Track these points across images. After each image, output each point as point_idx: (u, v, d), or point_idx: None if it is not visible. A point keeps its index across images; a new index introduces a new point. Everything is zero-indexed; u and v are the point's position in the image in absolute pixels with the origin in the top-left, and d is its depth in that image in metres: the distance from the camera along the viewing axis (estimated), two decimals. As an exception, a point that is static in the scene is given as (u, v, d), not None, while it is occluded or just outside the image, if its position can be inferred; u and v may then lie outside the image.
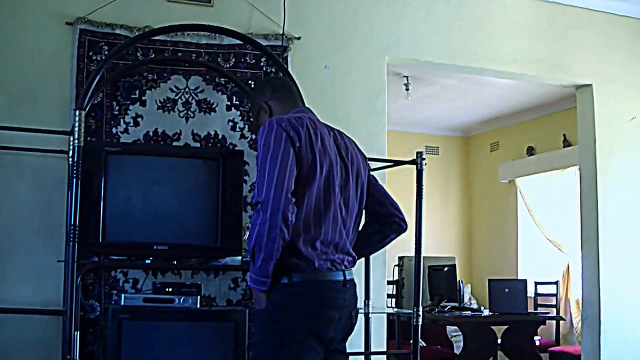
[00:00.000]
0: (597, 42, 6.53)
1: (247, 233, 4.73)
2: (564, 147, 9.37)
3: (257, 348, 3.00)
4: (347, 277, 3.12)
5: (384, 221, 3.42)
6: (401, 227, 3.45)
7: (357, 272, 4.93)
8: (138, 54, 4.95)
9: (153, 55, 4.98)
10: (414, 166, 4.77)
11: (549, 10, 6.34)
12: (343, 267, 3.11)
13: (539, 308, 8.67)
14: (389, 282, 7.32)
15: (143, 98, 4.93)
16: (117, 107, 4.86)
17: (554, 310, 8.58)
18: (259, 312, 2.98)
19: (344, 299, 3.08)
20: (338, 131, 3.26)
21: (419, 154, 4.76)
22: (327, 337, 3.00)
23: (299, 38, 5.33)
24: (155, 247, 4.18)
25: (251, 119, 3.27)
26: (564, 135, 9.32)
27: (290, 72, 4.97)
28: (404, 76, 8.15)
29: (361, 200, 3.26)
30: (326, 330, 2.99)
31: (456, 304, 7.53)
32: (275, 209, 2.78)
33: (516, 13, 6.23)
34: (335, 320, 3.01)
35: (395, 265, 8.06)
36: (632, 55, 6.67)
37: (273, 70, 5.15)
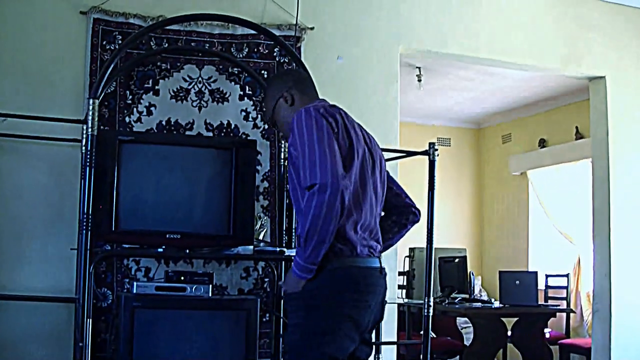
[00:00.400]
0: (611, 34, 6.51)
1: (259, 222, 4.77)
2: (576, 139, 9.33)
3: (294, 333, 2.99)
4: (382, 265, 3.17)
5: (401, 212, 3.49)
6: (416, 217, 3.53)
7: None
8: (152, 44, 4.96)
9: (166, 45, 4.99)
10: (426, 157, 4.77)
11: (563, 2, 6.32)
12: (377, 254, 3.16)
13: (549, 300, 8.66)
14: (399, 273, 7.32)
15: (156, 87, 4.95)
16: (130, 97, 4.88)
17: (565, 302, 8.56)
18: (296, 295, 2.98)
19: (380, 286, 3.13)
20: (357, 123, 3.29)
21: (431, 145, 4.76)
22: (364, 324, 3.04)
23: (312, 28, 5.33)
24: (167, 236, 4.18)
25: (263, 108, 3.25)
26: (577, 127, 9.28)
27: (304, 62, 4.97)
28: (417, 67, 8.12)
29: (383, 190, 3.31)
30: (363, 317, 3.02)
31: (466, 296, 7.52)
32: (335, 190, 2.81)
33: (530, 4, 6.22)
34: (371, 307, 3.04)
35: (406, 257, 8.05)
36: (645, 48, 6.65)
37: (286, 60, 5.16)
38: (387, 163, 5.18)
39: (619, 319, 6.24)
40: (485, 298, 8.20)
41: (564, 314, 8.27)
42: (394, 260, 5.43)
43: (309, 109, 3.02)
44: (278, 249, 4.44)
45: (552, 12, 6.29)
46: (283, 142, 4.94)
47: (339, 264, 2.97)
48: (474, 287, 7.92)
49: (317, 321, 2.94)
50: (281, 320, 4.82)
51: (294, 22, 5.25)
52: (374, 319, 3.14)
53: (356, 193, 3.03)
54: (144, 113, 4.90)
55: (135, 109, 4.88)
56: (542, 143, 10.10)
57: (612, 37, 6.51)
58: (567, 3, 6.34)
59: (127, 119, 4.85)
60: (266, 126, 5.09)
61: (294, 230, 4.92)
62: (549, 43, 6.25)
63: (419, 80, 8.24)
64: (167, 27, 4.91)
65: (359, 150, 3.09)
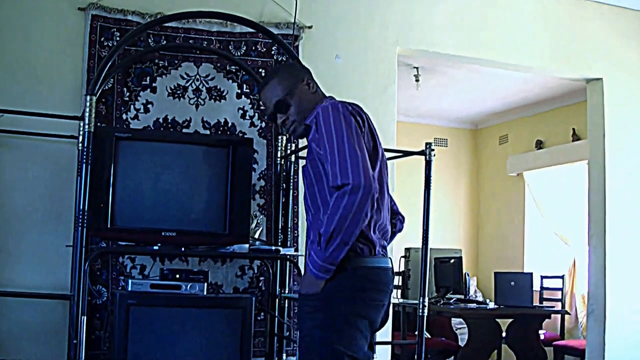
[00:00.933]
0: (609, 35, 6.51)
1: (255, 221, 4.77)
2: (573, 141, 9.34)
3: (311, 333, 2.94)
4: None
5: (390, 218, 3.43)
6: (401, 225, 3.51)
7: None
8: (149, 41, 4.96)
9: (164, 42, 4.99)
10: (423, 157, 4.77)
11: (561, 3, 6.33)
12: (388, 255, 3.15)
13: (544, 302, 8.65)
14: (395, 273, 7.32)
15: (154, 85, 4.95)
16: (127, 94, 4.88)
17: (560, 304, 8.56)
18: (314, 296, 2.92)
19: (392, 286, 3.12)
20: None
21: (428, 145, 4.75)
22: (376, 324, 3.04)
23: (310, 27, 5.33)
24: (163, 234, 4.18)
25: (266, 104, 3.16)
26: (574, 129, 9.28)
27: (301, 61, 4.97)
28: (414, 67, 8.12)
29: (388, 191, 3.29)
30: (377, 317, 3.02)
31: (462, 296, 7.53)
32: (367, 192, 2.78)
33: (528, 6, 6.23)
34: (384, 307, 3.05)
35: (401, 257, 8.05)
36: (643, 50, 6.66)
37: (284, 59, 5.16)
38: (384, 163, 5.19)
39: (614, 320, 6.25)
40: (480, 299, 8.19)
41: (559, 316, 8.28)
42: (390, 260, 5.43)
43: (336, 105, 2.97)
44: (274, 248, 4.44)
45: (550, 13, 6.29)
46: (287, 136, 4.93)
47: (360, 263, 2.94)
48: (469, 288, 7.92)
49: (339, 322, 2.89)
50: (276, 319, 4.82)
51: (292, 21, 5.25)
52: (383, 319, 3.12)
53: (378, 194, 3.00)
54: (141, 110, 4.90)
55: (132, 106, 4.88)
56: (539, 144, 10.10)
57: (610, 39, 6.52)
58: (565, 5, 6.34)
59: (124, 116, 4.85)
60: (263, 124, 5.09)
61: (289, 229, 4.92)
62: (547, 44, 6.25)
63: (417, 80, 8.25)
64: (165, 25, 4.92)
65: (380, 151, 3.09)
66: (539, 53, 6.24)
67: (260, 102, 3.14)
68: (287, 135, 3.28)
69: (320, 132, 2.92)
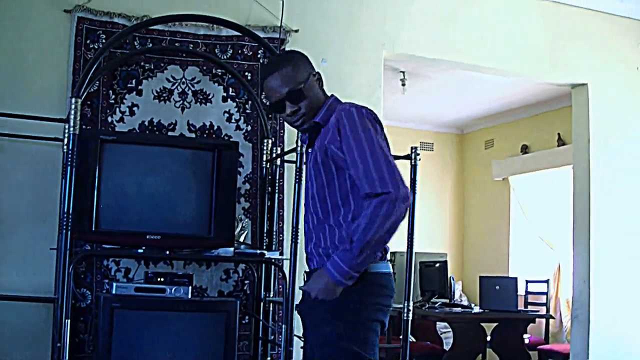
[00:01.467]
0: (594, 41, 6.54)
1: (240, 224, 4.76)
2: (558, 146, 9.37)
3: (334, 342, 2.83)
4: None
5: None
6: None
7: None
8: (135, 43, 4.95)
9: (150, 45, 4.98)
10: (409, 161, 4.77)
11: (546, 9, 6.35)
12: None
13: (529, 306, 8.68)
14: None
15: (139, 87, 4.94)
16: (113, 96, 4.87)
17: (544, 308, 8.59)
18: (330, 302, 2.81)
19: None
20: None
21: (413, 149, 4.75)
22: (385, 328, 3.00)
23: (296, 31, 5.33)
24: (148, 237, 4.18)
25: (275, 90, 2.94)
26: (559, 134, 9.32)
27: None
28: (400, 71, 8.14)
29: None
30: (386, 321, 2.98)
31: (447, 301, 7.54)
32: (407, 205, 2.75)
33: (514, 11, 6.25)
34: (389, 312, 3.01)
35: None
36: (628, 56, 6.69)
37: (270, 62, 5.16)
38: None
39: (598, 325, 6.27)
40: (465, 303, 8.22)
41: (544, 320, 8.31)
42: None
43: (360, 109, 2.88)
44: (258, 252, 4.44)
45: (535, 19, 6.31)
46: (266, 144, 4.94)
47: (375, 269, 2.89)
48: (454, 292, 7.93)
49: (362, 329, 2.85)
50: (261, 323, 4.82)
51: (279, 25, 5.25)
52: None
53: None
54: (127, 113, 4.88)
55: (117, 109, 4.87)
56: (525, 149, 10.14)
57: (595, 45, 6.55)
58: (550, 10, 6.37)
59: (109, 119, 4.84)
60: (249, 128, 5.09)
61: (275, 233, 4.92)
62: (532, 50, 6.28)
63: (403, 85, 8.26)
64: (152, 27, 4.91)
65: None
66: (525, 58, 6.26)
67: (268, 87, 2.96)
68: (296, 128, 3.09)
69: (344, 136, 2.82)
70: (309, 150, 3.05)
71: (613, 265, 6.39)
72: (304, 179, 4.20)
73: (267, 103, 2.98)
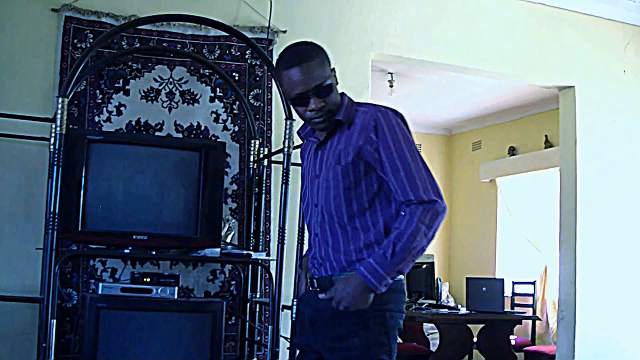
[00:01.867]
0: (582, 44, 6.56)
1: (227, 225, 4.75)
2: (545, 148, 9.40)
3: (363, 354, 2.72)
4: None
5: None
6: None
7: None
8: (123, 43, 4.94)
9: (138, 45, 4.97)
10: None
11: (534, 11, 6.37)
12: None
13: (515, 307, 8.70)
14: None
15: (127, 87, 4.93)
16: (100, 96, 4.86)
17: (531, 310, 8.61)
18: (358, 311, 2.68)
19: None
20: None
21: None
22: None
23: (284, 31, 5.33)
24: (134, 237, 4.17)
25: (304, 82, 2.71)
26: (546, 136, 9.35)
27: (275, 65, 4.98)
28: (389, 73, 8.15)
29: None
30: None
31: (434, 302, 7.56)
32: (444, 211, 2.72)
33: (502, 13, 6.26)
34: None
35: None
36: (615, 58, 6.71)
37: (258, 63, 5.15)
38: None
39: (584, 326, 6.29)
40: (452, 304, 8.22)
41: (530, 321, 8.32)
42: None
43: (397, 112, 2.84)
44: (245, 252, 4.44)
45: (523, 21, 6.33)
46: (253, 144, 4.94)
47: (400, 276, 2.80)
48: (441, 293, 7.95)
49: (390, 338, 2.78)
50: (247, 323, 4.82)
51: (267, 25, 5.25)
52: None
53: None
54: (114, 113, 4.87)
55: (105, 109, 4.86)
56: (512, 151, 10.16)
57: (582, 47, 6.57)
58: (538, 13, 6.38)
59: (96, 119, 4.83)
60: (236, 128, 5.09)
61: (261, 233, 4.92)
62: (520, 52, 6.29)
63: (391, 86, 8.27)
64: (139, 27, 4.90)
65: None
66: (513, 60, 6.28)
67: (293, 78, 2.70)
68: (315, 124, 2.82)
69: (383, 139, 2.73)
70: (320, 149, 2.89)
71: (599, 267, 6.40)
72: (291, 179, 4.24)
73: (292, 94, 2.74)
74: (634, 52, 6.80)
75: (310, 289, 2.89)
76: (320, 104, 2.74)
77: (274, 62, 2.85)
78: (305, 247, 3.24)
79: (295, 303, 4.14)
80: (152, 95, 4.97)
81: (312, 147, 2.95)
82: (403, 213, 2.72)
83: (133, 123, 4.90)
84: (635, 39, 6.81)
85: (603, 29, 6.68)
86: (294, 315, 4.16)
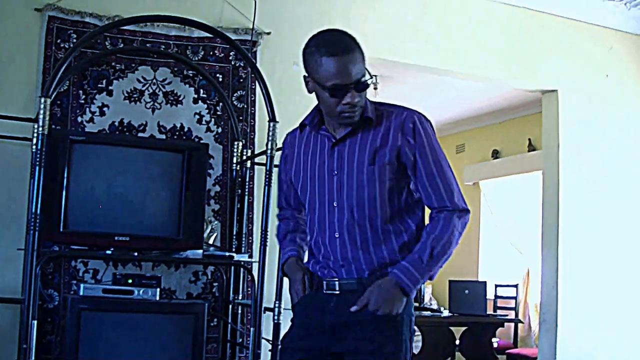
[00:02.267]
0: (564, 48, 6.59)
1: (210, 227, 4.74)
2: (528, 151, 9.44)
3: (403, 358, 2.70)
4: None
5: None
6: None
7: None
8: (107, 43, 4.92)
9: (122, 45, 4.96)
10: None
11: (518, 15, 6.39)
12: None
13: (498, 310, 8.73)
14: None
15: (110, 88, 4.91)
16: (83, 96, 4.84)
17: (513, 312, 8.64)
18: (389, 316, 2.64)
19: None
20: None
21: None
22: None
23: (268, 33, 5.33)
24: (116, 238, 4.15)
25: (347, 74, 2.58)
26: (529, 139, 9.38)
27: (259, 67, 4.98)
28: (373, 75, 8.15)
29: None
30: None
31: (416, 304, 7.57)
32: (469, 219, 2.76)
33: (486, 17, 6.27)
34: None
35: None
36: (598, 63, 6.75)
37: (241, 64, 5.15)
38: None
39: (565, 330, 6.31)
40: (435, 307, 8.24)
41: (512, 324, 8.35)
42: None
43: (427, 118, 2.82)
44: (227, 254, 4.43)
45: (506, 25, 6.35)
46: (236, 146, 4.94)
47: None
48: (424, 296, 7.97)
49: (411, 343, 2.76)
50: (229, 325, 4.81)
51: (251, 27, 5.24)
52: None
53: None
54: (97, 113, 4.86)
55: (88, 109, 4.84)
56: (496, 154, 10.20)
57: (565, 52, 6.60)
58: (522, 16, 6.40)
59: (79, 119, 4.81)
60: (219, 130, 5.08)
61: (244, 235, 4.92)
62: (503, 56, 6.31)
63: (375, 88, 8.27)
64: (123, 27, 4.88)
65: None
66: (496, 64, 6.30)
67: (339, 67, 2.58)
68: (347, 120, 2.68)
69: (420, 142, 2.70)
70: (338, 146, 2.76)
71: (581, 270, 6.43)
72: (274, 181, 4.23)
73: (328, 83, 2.60)
74: (616, 57, 6.84)
75: (326, 291, 2.75)
76: (356, 99, 2.64)
77: (308, 44, 2.67)
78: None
79: (280, 305, 4.17)
80: (135, 96, 4.96)
81: (321, 141, 2.82)
82: (434, 218, 2.73)
83: (116, 124, 4.89)
84: (617, 43, 6.85)
85: (586, 33, 6.71)
86: (275, 317, 4.17)
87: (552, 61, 6.52)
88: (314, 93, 2.71)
